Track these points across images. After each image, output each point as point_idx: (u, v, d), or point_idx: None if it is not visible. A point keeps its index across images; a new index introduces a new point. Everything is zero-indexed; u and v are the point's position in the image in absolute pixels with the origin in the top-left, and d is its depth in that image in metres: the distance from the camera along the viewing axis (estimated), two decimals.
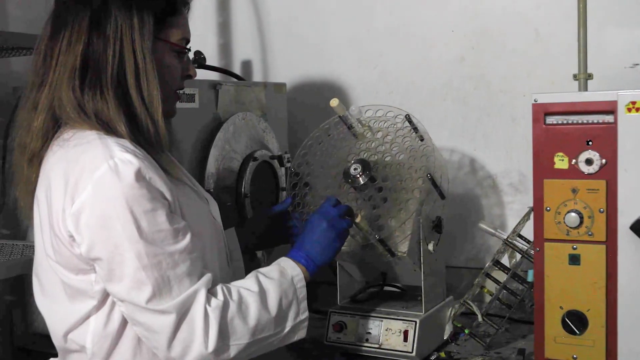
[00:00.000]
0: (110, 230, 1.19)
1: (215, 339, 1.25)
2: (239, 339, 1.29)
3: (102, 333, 1.28)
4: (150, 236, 1.21)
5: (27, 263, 1.76)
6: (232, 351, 1.28)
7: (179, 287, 1.23)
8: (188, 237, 1.26)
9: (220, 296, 1.28)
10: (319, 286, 2.31)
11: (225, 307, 1.28)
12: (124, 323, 1.29)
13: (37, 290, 1.38)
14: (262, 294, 1.35)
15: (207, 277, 1.27)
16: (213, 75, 2.36)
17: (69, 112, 1.26)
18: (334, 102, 1.75)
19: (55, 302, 1.32)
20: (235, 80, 2.35)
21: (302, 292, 1.41)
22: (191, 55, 1.48)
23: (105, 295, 1.28)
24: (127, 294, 1.22)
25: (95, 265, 1.24)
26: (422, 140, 1.74)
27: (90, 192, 1.19)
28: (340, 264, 1.86)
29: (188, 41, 1.41)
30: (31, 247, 1.90)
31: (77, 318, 1.29)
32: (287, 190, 1.87)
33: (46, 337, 2.09)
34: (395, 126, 1.79)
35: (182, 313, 1.23)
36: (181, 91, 1.45)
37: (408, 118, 1.74)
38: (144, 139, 1.28)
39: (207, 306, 1.25)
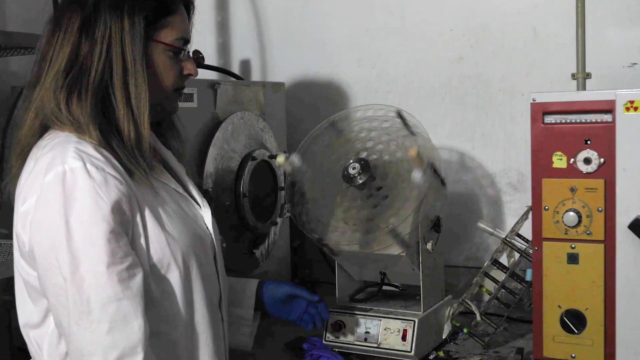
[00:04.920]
0: (45, 237, 1.18)
1: None
2: None
3: (57, 343, 1.26)
4: (82, 249, 1.16)
5: None
6: None
7: (100, 312, 1.15)
8: (128, 263, 1.18)
9: None
10: (319, 285, 2.32)
11: None
12: None
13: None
14: None
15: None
16: (211, 75, 2.36)
17: (48, 112, 1.27)
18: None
19: (20, 299, 1.33)
20: (233, 79, 2.34)
21: None
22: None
23: None
24: (52, 307, 1.20)
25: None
26: (413, 135, 1.73)
27: (38, 195, 1.19)
28: (339, 263, 1.86)
29: (187, 40, 1.40)
30: None
31: (38, 318, 1.29)
32: (285, 191, 1.86)
33: None
34: (393, 126, 1.79)
35: None
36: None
37: (399, 114, 1.73)
38: (122, 144, 1.26)
39: None
